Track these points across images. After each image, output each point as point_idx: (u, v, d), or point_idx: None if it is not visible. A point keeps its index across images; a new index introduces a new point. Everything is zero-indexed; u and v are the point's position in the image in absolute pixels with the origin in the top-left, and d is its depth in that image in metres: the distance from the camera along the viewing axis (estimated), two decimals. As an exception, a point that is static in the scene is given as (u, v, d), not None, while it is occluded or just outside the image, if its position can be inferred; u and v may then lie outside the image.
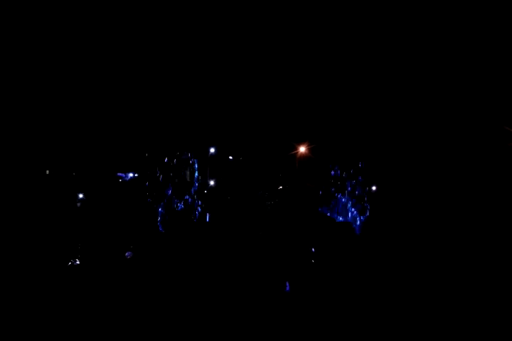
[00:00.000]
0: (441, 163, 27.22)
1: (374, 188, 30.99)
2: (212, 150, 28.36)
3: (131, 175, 30.32)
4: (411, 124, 27.84)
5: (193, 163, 28.44)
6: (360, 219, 19.39)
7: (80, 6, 22.78)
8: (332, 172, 25.00)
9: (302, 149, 28.01)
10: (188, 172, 29.73)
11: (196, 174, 28.18)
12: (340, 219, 19.01)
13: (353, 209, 20.13)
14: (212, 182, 26.94)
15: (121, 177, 29.84)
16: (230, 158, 31.75)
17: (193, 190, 25.13)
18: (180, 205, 19.75)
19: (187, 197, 21.85)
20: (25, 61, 23.25)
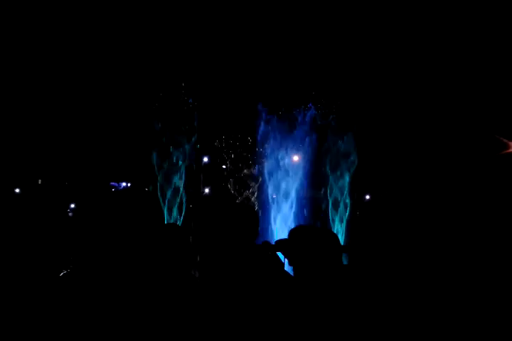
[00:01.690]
0: (435, 171, 27.28)
1: (368, 197, 31.01)
2: (205, 159, 28.34)
3: (124, 184, 30.20)
4: (405, 129, 27.93)
5: (186, 172, 28.29)
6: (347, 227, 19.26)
7: (78, 6, 22.74)
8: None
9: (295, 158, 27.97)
10: (181, 181, 29.57)
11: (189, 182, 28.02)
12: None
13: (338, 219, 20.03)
14: (206, 191, 26.90)
15: (114, 186, 29.71)
16: (224, 167, 31.70)
17: (186, 198, 25.00)
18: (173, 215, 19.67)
19: (180, 205, 21.75)
20: (17, 71, 23.22)
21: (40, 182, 26.61)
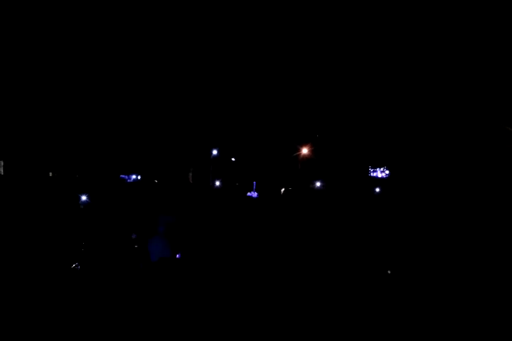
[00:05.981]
0: (441, 163, 27.13)
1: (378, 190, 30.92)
2: (214, 152, 28.27)
3: (133, 177, 30.33)
4: (411, 125, 27.78)
5: (196, 165, 28.32)
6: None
7: (79, 6, 22.79)
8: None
9: (305, 151, 27.91)
10: (190, 174, 29.66)
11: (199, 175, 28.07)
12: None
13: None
14: (217, 183, 26.91)
15: (124, 179, 29.85)
16: (233, 159, 31.65)
17: (196, 191, 25.05)
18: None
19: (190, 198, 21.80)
20: (27, 65, 23.29)
21: (50, 175, 26.77)
